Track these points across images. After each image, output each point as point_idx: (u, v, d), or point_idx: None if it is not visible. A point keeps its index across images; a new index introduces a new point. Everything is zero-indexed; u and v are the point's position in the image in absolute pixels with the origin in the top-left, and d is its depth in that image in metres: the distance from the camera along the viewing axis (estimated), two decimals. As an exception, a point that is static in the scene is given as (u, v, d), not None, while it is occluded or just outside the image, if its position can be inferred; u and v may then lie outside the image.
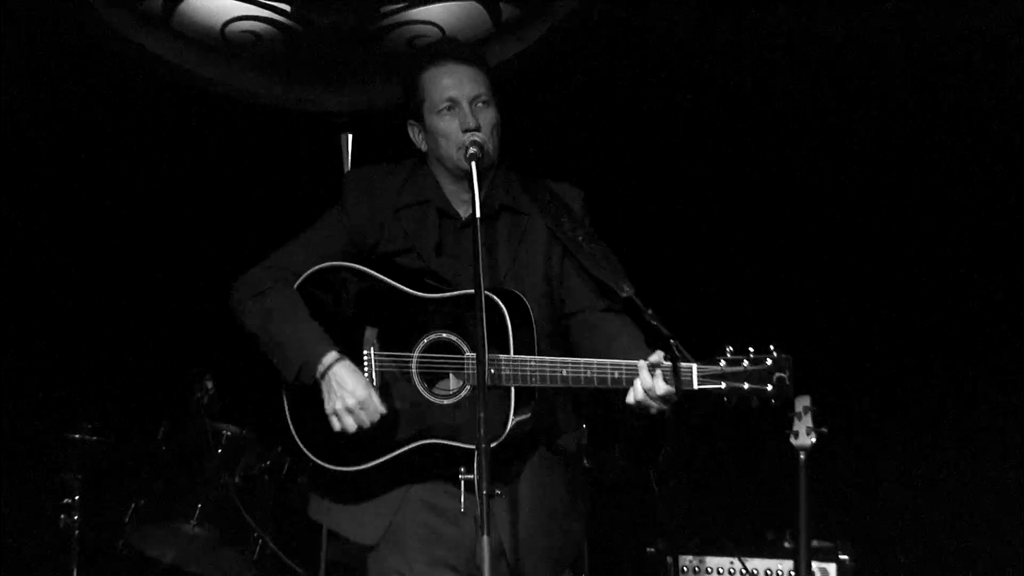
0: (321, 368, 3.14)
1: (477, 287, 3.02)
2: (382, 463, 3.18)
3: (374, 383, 3.18)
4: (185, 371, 4.67)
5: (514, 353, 3.10)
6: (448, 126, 3.25)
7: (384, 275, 3.23)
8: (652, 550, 4.53)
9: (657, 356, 3.06)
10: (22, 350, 5.23)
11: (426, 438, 3.16)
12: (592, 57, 5.24)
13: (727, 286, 5.35)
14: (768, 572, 4.49)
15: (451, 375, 3.18)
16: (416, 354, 3.18)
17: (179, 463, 4.59)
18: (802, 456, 3.93)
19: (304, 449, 3.23)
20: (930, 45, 5.15)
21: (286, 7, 5.14)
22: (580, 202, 3.40)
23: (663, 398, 3.05)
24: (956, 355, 5.33)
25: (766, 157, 5.37)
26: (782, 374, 3.03)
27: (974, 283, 5.32)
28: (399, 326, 3.20)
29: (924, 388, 5.35)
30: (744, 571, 4.49)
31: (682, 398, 3.06)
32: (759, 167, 5.38)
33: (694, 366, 3.05)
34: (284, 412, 3.24)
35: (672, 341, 3.03)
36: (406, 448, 3.17)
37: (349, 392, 3.12)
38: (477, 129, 3.22)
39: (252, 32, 5.22)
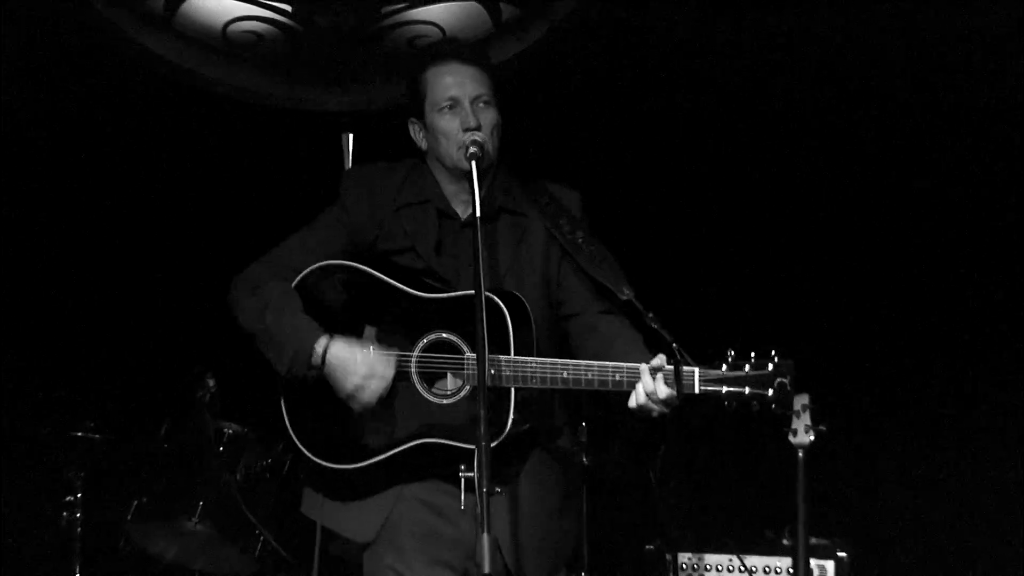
0: (316, 357, 3.13)
1: (477, 287, 3.02)
2: (379, 461, 3.18)
3: (369, 348, 3.17)
4: (187, 370, 4.67)
5: (514, 354, 3.11)
6: (449, 125, 3.25)
7: (383, 274, 3.23)
8: (651, 547, 4.53)
9: (659, 360, 3.07)
10: (24, 349, 5.24)
11: (424, 437, 3.16)
12: (592, 57, 5.24)
13: (727, 286, 5.35)
14: (767, 569, 4.49)
15: (449, 375, 3.18)
16: (416, 354, 3.18)
17: (181, 461, 4.60)
18: (800, 454, 3.95)
19: (301, 447, 3.23)
20: (930, 45, 5.15)
21: (287, 7, 5.16)
22: (578, 203, 3.41)
23: (665, 402, 3.06)
24: (956, 354, 5.33)
25: (766, 157, 5.37)
26: (783, 379, 3.04)
27: (974, 283, 5.32)
28: (398, 325, 3.20)
29: (923, 387, 5.35)
30: (743, 568, 4.48)
31: (683, 401, 3.07)
32: (759, 167, 5.38)
33: (696, 370, 3.06)
34: (281, 409, 3.24)
35: (674, 345, 3.04)
36: (404, 447, 3.17)
37: (355, 367, 3.12)
38: (478, 128, 3.23)
39: (253, 32, 5.24)
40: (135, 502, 4.55)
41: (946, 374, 5.35)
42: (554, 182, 3.44)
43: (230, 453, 4.57)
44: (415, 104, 3.32)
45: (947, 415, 5.34)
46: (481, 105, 3.27)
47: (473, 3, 5.19)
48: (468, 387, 3.15)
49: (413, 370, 3.18)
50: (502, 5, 5.18)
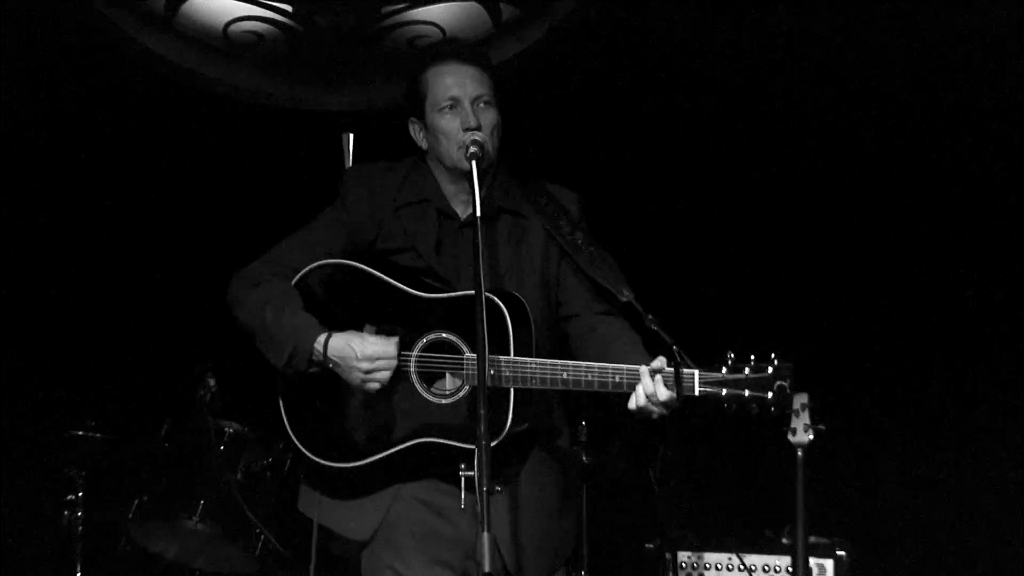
0: (316, 354, 3.13)
1: (477, 287, 3.02)
2: (377, 460, 3.18)
3: (365, 334, 3.17)
4: (187, 369, 4.67)
5: (514, 355, 3.11)
6: (449, 124, 3.26)
7: (383, 273, 3.23)
8: (651, 546, 4.53)
9: (659, 362, 3.07)
10: (26, 348, 5.24)
11: (423, 437, 3.17)
12: (592, 57, 5.24)
13: (727, 285, 5.35)
14: (766, 568, 4.49)
15: (448, 375, 3.18)
16: (415, 353, 3.18)
17: (181, 460, 4.59)
18: (799, 453, 3.96)
19: (299, 445, 3.23)
20: (930, 45, 5.16)
21: (288, 8, 5.17)
22: (577, 204, 3.41)
23: (665, 403, 3.06)
24: (956, 354, 5.34)
25: (766, 157, 5.37)
26: (783, 382, 3.05)
27: (974, 283, 5.32)
28: (398, 325, 3.20)
29: (922, 386, 5.35)
30: (742, 567, 4.49)
31: (682, 403, 3.07)
32: (759, 167, 5.38)
33: (696, 372, 3.06)
34: (279, 407, 3.25)
35: (674, 347, 3.05)
36: (402, 446, 3.17)
37: (359, 355, 3.12)
38: (478, 128, 3.23)
39: (254, 32, 5.24)
40: (136, 501, 4.55)
41: (946, 374, 5.35)
42: (553, 183, 3.44)
43: (231, 452, 4.56)
44: (415, 104, 3.32)
45: (947, 415, 5.34)
46: (481, 105, 3.27)
47: (473, 3, 5.20)
48: (467, 387, 3.15)
49: (412, 370, 3.18)
50: (502, 5, 5.19)
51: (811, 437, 3.94)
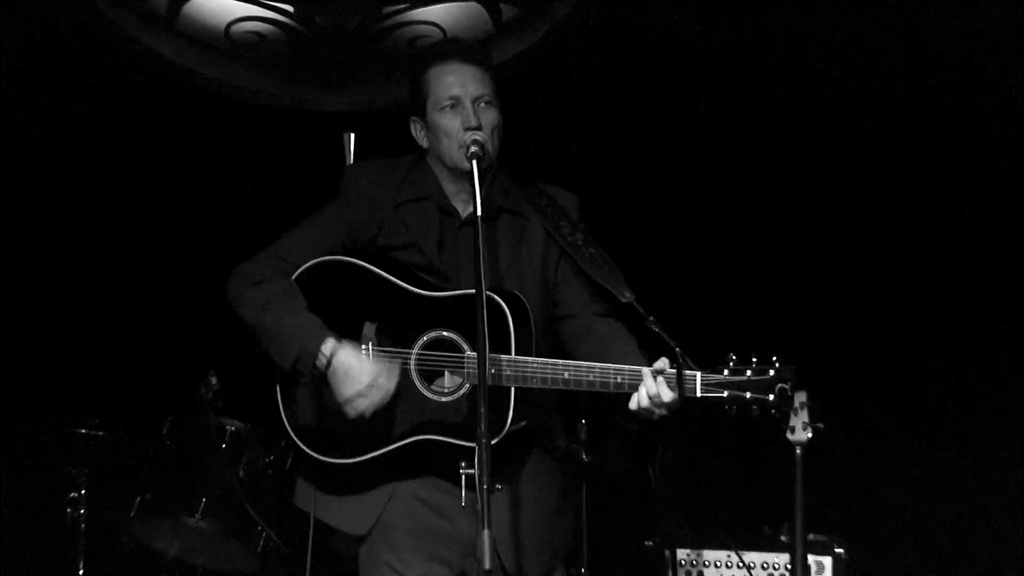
0: (323, 359, 3.13)
1: (478, 286, 3.02)
2: (376, 457, 3.19)
3: (373, 358, 3.18)
4: (189, 367, 4.68)
5: (515, 354, 3.12)
6: (450, 123, 3.27)
7: (383, 271, 3.24)
8: (650, 544, 4.54)
9: (662, 363, 3.08)
10: (28, 347, 5.24)
11: (422, 434, 3.17)
12: (592, 57, 5.25)
13: (727, 284, 5.35)
14: (765, 565, 4.50)
15: (447, 373, 3.19)
16: (415, 351, 3.19)
17: (184, 458, 4.60)
18: (798, 451, 3.96)
19: (297, 440, 3.23)
20: (930, 45, 5.16)
21: (289, 8, 5.18)
22: (576, 206, 3.42)
23: (666, 405, 3.08)
24: (956, 354, 5.34)
25: (766, 158, 5.37)
26: (784, 384, 3.07)
27: (974, 283, 5.32)
28: (398, 322, 3.21)
29: (922, 385, 5.35)
30: (741, 564, 4.50)
31: (683, 404, 3.08)
32: (758, 167, 5.38)
33: (698, 374, 3.08)
34: (277, 401, 3.25)
35: (677, 349, 3.06)
36: (402, 443, 3.18)
37: (359, 375, 3.11)
38: (478, 128, 3.24)
39: (256, 33, 5.26)
40: (138, 499, 4.56)
41: (946, 374, 5.35)
42: (552, 185, 3.45)
43: (232, 450, 4.57)
44: (417, 103, 3.33)
45: (947, 414, 5.34)
46: (483, 105, 3.28)
47: (473, 3, 5.20)
48: (467, 385, 3.16)
49: (413, 367, 3.19)
50: (502, 5, 5.19)
51: (810, 435, 3.95)
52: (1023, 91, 5.12)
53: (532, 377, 3.11)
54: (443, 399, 3.19)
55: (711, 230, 5.40)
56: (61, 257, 5.33)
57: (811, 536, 4.22)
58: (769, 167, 5.37)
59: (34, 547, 5.09)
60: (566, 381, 3.11)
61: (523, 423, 3.16)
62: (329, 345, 3.14)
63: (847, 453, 5.22)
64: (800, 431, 3.96)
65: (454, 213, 3.34)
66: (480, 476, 2.88)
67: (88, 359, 5.26)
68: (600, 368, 3.11)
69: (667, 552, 4.50)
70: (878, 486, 5.36)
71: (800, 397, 3.97)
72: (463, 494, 3.11)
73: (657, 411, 3.09)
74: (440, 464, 3.20)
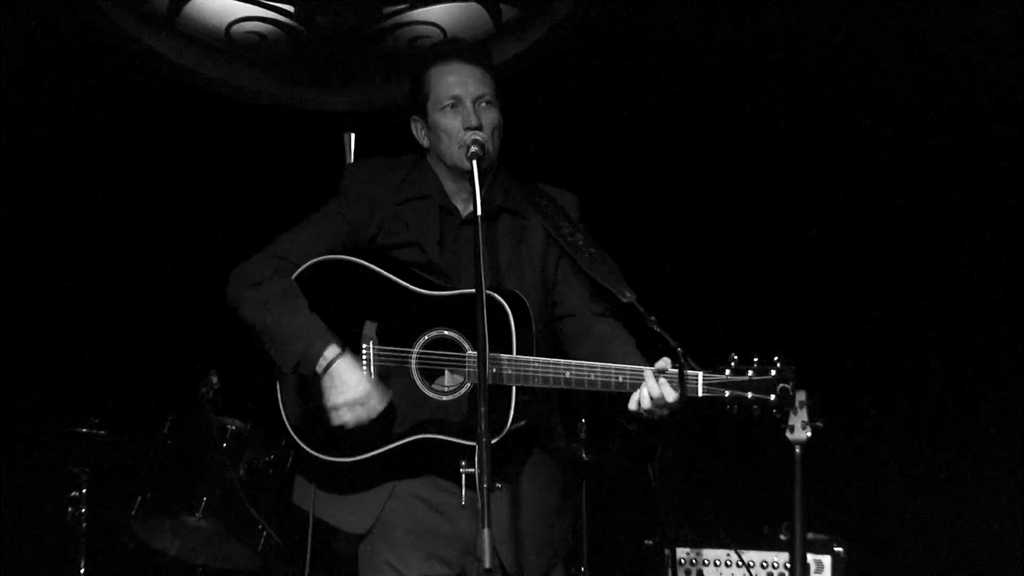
0: (323, 363, 3.13)
1: (478, 286, 3.03)
2: (376, 456, 3.19)
3: (372, 377, 3.19)
4: (190, 367, 4.69)
5: (516, 353, 3.12)
6: (451, 123, 3.27)
7: (384, 270, 3.24)
8: (650, 542, 4.54)
9: (663, 363, 3.09)
10: (29, 346, 5.25)
11: (423, 433, 3.18)
12: (592, 57, 5.25)
13: (726, 284, 5.35)
14: (764, 564, 4.51)
15: (447, 372, 3.19)
16: (416, 350, 3.19)
17: (184, 457, 4.59)
18: (797, 450, 3.96)
19: (296, 438, 3.24)
20: (930, 45, 5.16)
21: (289, 8, 5.19)
22: (575, 206, 3.42)
23: (668, 405, 3.08)
24: (956, 354, 5.34)
25: (766, 158, 5.38)
26: (785, 384, 3.07)
27: (974, 283, 5.32)
28: (399, 321, 3.21)
29: (921, 385, 5.35)
30: (740, 563, 4.51)
31: (685, 404, 3.09)
32: (759, 167, 5.38)
33: (700, 374, 3.08)
34: (277, 399, 3.25)
35: (679, 349, 3.06)
36: (402, 442, 3.18)
37: (351, 388, 3.13)
38: (479, 128, 3.24)
39: (256, 33, 5.26)
40: (139, 498, 4.55)
41: (946, 373, 5.35)
42: (551, 185, 3.45)
43: (233, 449, 4.57)
44: (418, 102, 3.33)
45: (947, 414, 5.34)
46: (483, 105, 3.29)
47: (473, 4, 5.21)
48: (468, 384, 3.16)
49: (413, 366, 3.20)
50: (502, 6, 5.20)
51: (809, 434, 3.95)
52: (1023, 91, 5.12)
53: (533, 376, 3.12)
54: (444, 398, 3.19)
55: (711, 230, 5.40)
56: (62, 257, 5.33)
57: (810, 535, 4.22)
58: (769, 167, 5.38)
59: (35, 546, 5.10)
60: (567, 381, 3.12)
61: (523, 422, 3.17)
62: (330, 352, 3.15)
63: (847, 453, 5.22)
64: (799, 430, 3.96)
65: (454, 212, 3.34)
66: (480, 475, 2.89)
67: (89, 359, 5.27)
68: (602, 368, 3.12)
69: (667, 551, 4.50)
70: (878, 486, 5.36)
71: (799, 396, 3.97)
72: (463, 493, 3.11)
73: (658, 411, 3.09)
74: (440, 463, 3.21)
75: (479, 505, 2.87)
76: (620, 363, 3.12)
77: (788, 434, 3.96)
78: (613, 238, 3.41)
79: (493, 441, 2.95)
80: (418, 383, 3.20)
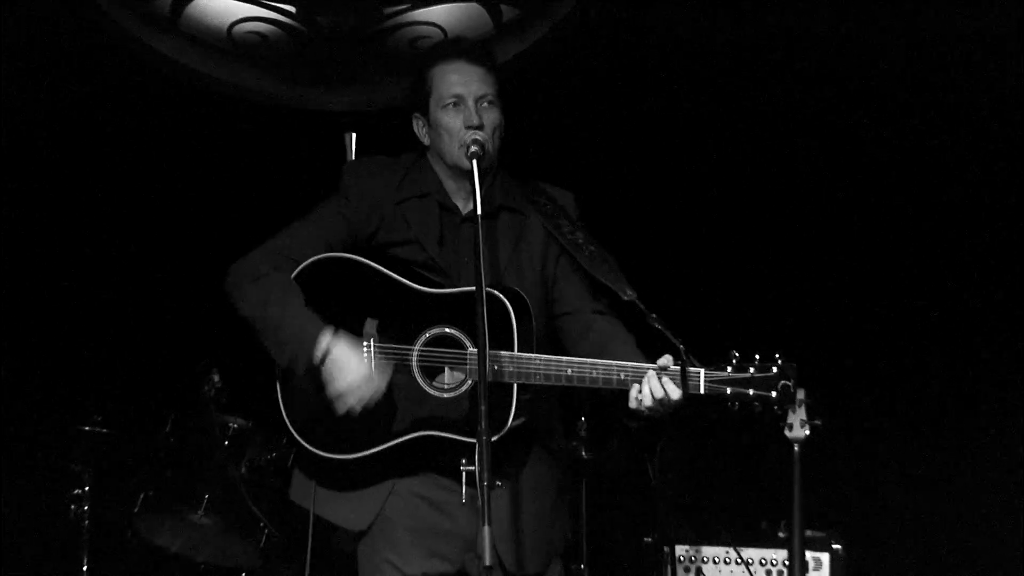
0: (318, 353, 3.13)
1: (478, 284, 3.04)
2: (377, 452, 3.19)
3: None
4: (192, 365, 4.70)
5: (517, 351, 3.13)
6: (452, 121, 3.28)
7: (385, 267, 3.25)
8: (649, 540, 4.55)
9: (666, 360, 3.10)
10: (31, 344, 5.25)
11: (423, 430, 3.18)
12: (592, 57, 5.26)
13: (726, 283, 5.35)
14: (763, 561, 4.51)
15: (448, 369, 3.20)
16: (417, 347, 3.20)
17: (186, 455, 4.61)
18: (796, 448, 3.97)
19: (296, 435, 3.24)
20: (930, 45, 5.17)
21: (291, 8, 5.20)
22: (573, 204, 3.44)
23: (671, 402, 3.09)
24: (956, 354, 5.34)
25: (766, 157, 5.38)
26: (787, 382, 3.08)
27: (974, 283, 5.32)
28: (400, 319, 3.21)
29: (921, 385, 5.35)
30: (739, 560, 4.51)
31: (686, 402, 3.10)
32: (759, 167, 5.39)
33: (701, 371, 3.09)
34: (277, 396, 3.25)
35: (681, 347, 3.07)
36: (402, 439, 3.18)
37: (352, 370, 3.11)
38: (480, 127, 3.25)
39: (258, 33, 5.27)
40: (141, 495, 4.57)
41: (946, 374, 5.35)
42: (549, 184, 3.46)
43: (235, 447, 4.58)
44: (420, 100, 3.34)
45: (947, 414, 5.34)
46: (485, 105, 3.30)
47: (474, 4, 5.22)
48: (469, 381, 3.17)
49: (414, 363, 3.20)
50: (502, 6, 5.20)
51: (807, 433, 3.96)
52: (1023, 91, 5.13)
53: (535, 374, 3.13)
54: (444, 395, 3.19)
55: (711, 229, 5.40)
56: (64, 255, 5.34)
57: (809, 532, 4.23)
58: (769, 166, 5.38)
59: (37, 544, 5.10)
60: (569, 378, 3.13)
61: (524, 420, 3.17)
62: (325, 339, 3.14)
63: (847, 452, 5.22)
64: (798, 428, 3.97)
65: (454, 210, 3.35)
66: (481, 472, 2.89)
67: (91, 357, 5.27)
68: (603, 365, 3.12)
69: (666, 548, 4.51)
70: (878, 485, 5.36)
71: (799, 394, 3.98)
72: (463, 490, 3.13)
73: (660, 408, 3.10)
74: (440, 460, 3.22)
75: (479, 503, 2.88)
76: (621, 360, 3.13)
77: (787, 432, 3.97)
78: (613, 237, 3.42)
79: (494, 439, 2.96)
80: (419, 380, 3.20)
